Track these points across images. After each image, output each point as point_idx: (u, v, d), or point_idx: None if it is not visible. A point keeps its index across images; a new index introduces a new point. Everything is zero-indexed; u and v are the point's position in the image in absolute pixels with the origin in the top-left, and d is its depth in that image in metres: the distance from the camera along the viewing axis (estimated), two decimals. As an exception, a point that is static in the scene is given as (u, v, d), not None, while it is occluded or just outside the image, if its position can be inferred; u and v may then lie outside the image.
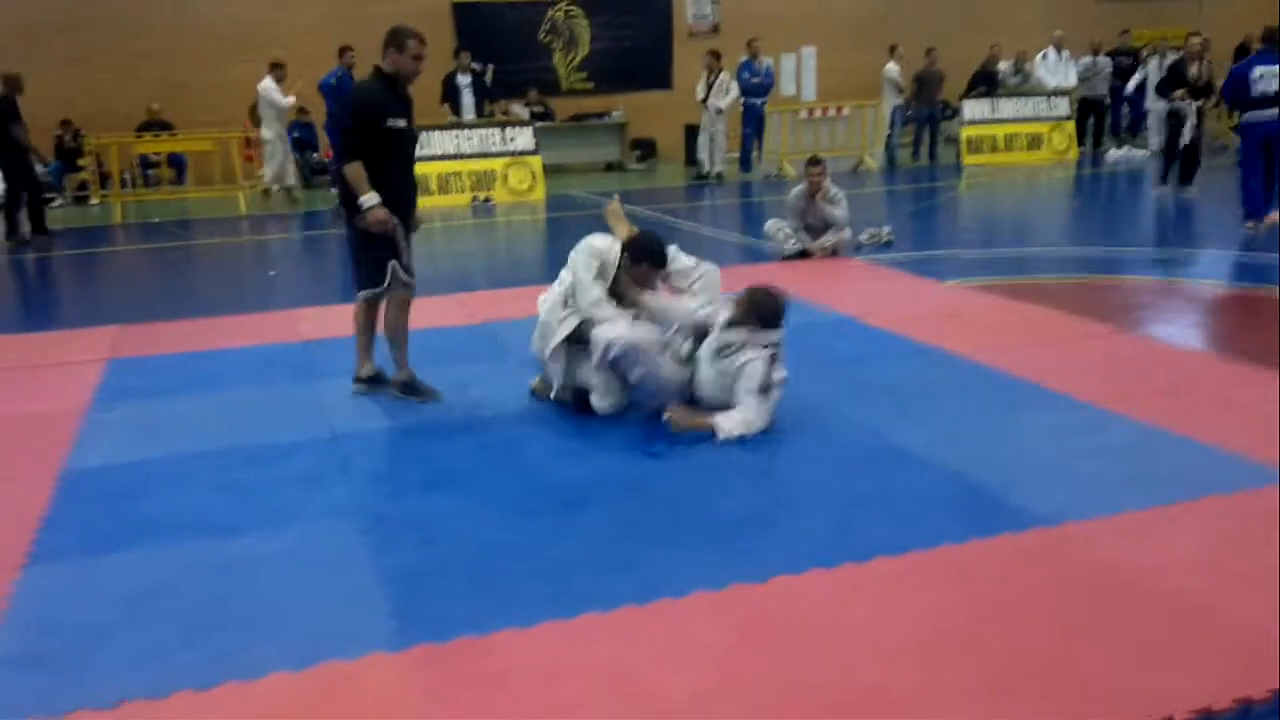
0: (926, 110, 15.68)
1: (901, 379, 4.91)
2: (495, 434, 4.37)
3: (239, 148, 13.60)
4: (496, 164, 13.29)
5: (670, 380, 4.35)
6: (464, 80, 13.95)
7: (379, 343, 4.94)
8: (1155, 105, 13.57)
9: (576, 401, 4.53)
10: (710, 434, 4.12)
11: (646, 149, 16.96)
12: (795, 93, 16.69)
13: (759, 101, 14.77)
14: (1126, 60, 16.51)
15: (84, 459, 4.20)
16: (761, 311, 4.29)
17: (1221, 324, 6.26)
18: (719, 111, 14.45)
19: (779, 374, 4.24)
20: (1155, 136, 14.18)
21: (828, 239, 8.05)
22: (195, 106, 14.63)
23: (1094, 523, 3.27)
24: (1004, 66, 16.22)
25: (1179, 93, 10.92)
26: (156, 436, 4.44)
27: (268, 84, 12.82)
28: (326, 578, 3.10)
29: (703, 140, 14.74)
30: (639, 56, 17.41)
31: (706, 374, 4.33)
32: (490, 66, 15.40)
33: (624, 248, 4.52)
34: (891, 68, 15.52)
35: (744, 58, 14.71)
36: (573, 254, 4.49)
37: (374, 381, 4.93)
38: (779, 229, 8.15)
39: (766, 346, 4.23)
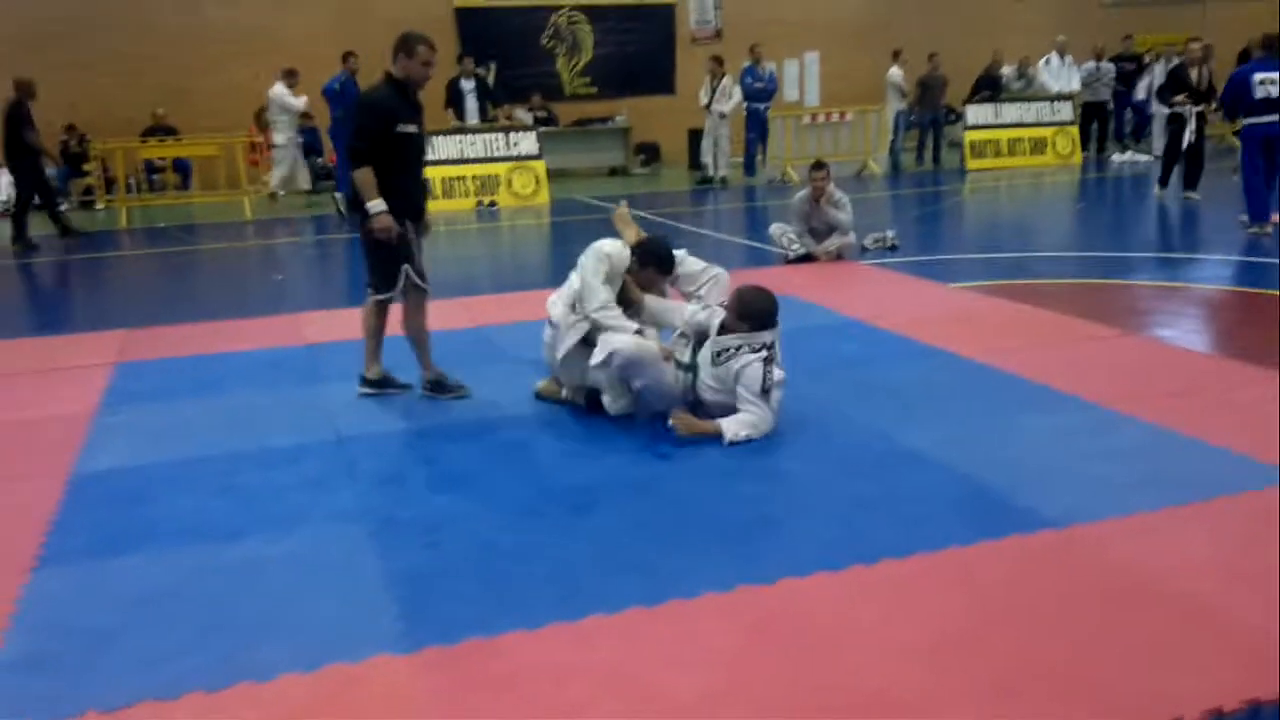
0: (930, 115, 15.69)
1: (908, 381, 4.90)
2: (502, 436, 4.38)
3: (244, 152, 13.63)
4: (500, 169, 13.32)
5: (673, 388, 4.35)
6: (467, 85, 13.98)
7: (400, 347, 4.94)
8: (1157, 110, 13.58)
9: (589, 403, 4.54)
10: (717, 437, 4.12)
11: (650, 153, 16.98)
12: (799, 98, 16.73)
13: (762, 106, 14.79)
14: (1129, 65, 16.53)
15: (93, 462, 4.21)
16: (752, 312, 4.28)
17: (1229, 326, 6.25)
18: (722, 116, 14.48)
19: (777, 374, 4.23)
20: (1159, 140, 14.19)
21: (832, 243, 8.06)
22: (199, 111, 14.68)
23: (1103, 524, 3.25)
24: (1007, 71, 16.24)
25: (1180, 97, 10.94)
26: (164, 440, 4.45)
27: (279, 89, 12.88)
28: (334, 580, 3.10)
29: (706, 145, 14.77)
30: (642, 62, 17.46)
31: (706, 379, 4.32)
32: (492, 65, 15.43)
33: (632, 252, 4.53)
34: (895, 72, 15.53)
35: (747, 63, 14.73)
36: (582, 257, 4.49)
37: (381, 384, 4.94)
38: (783, 233, 8.17)
39: (761, 348, 4.23)
